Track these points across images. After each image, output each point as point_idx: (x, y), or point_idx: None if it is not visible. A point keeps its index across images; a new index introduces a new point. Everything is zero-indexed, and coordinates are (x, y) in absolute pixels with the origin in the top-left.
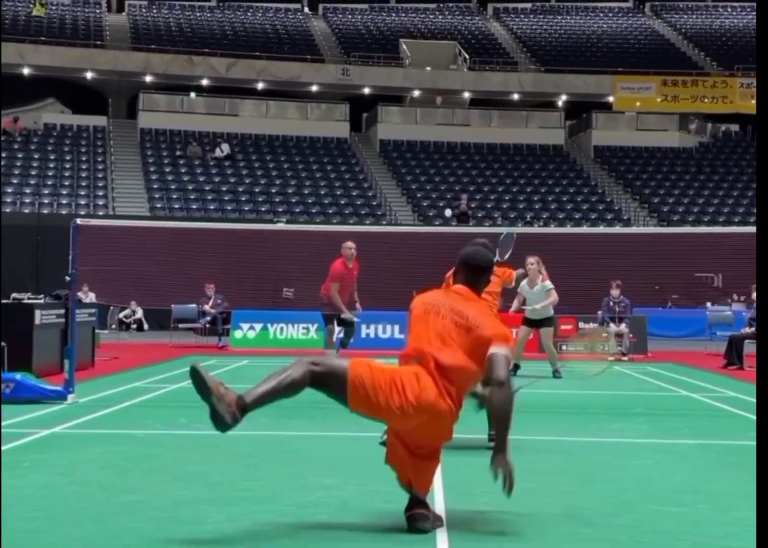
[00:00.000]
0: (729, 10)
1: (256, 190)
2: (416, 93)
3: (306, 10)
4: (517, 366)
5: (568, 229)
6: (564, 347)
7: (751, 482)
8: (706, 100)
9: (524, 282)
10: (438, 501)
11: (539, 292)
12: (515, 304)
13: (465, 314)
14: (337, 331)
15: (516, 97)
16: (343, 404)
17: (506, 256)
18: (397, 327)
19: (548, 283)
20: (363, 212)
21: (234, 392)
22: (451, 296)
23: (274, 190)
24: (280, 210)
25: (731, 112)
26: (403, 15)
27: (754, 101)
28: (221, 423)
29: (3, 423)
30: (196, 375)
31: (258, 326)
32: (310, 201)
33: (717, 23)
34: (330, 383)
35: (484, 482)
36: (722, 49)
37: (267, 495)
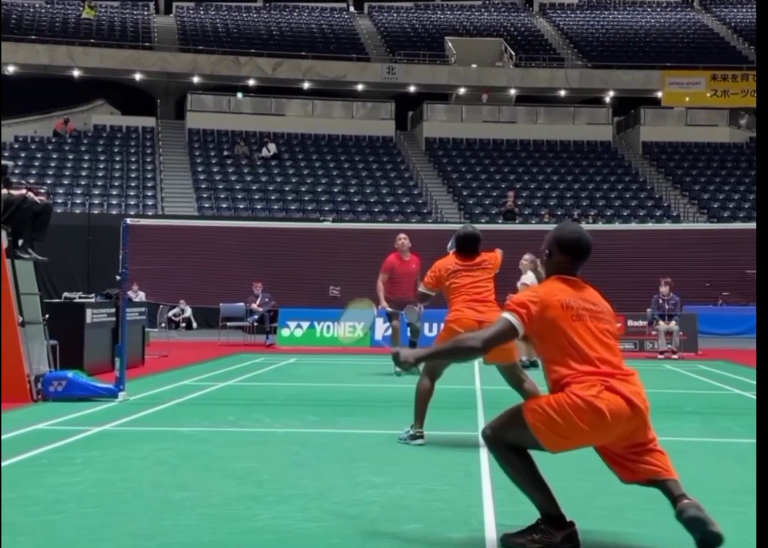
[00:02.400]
0: None
1: (303, 189)
2: (462, 90)
3: (351, 9)
4: (534, 363)
5: (617, 226)
6: None
7: None
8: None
9: (530, 275)
10: (486, 499)
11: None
12: None
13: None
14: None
15: (562, 93)
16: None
17: None
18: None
19: (529, 281)
20: (409, 210)
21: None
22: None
23: (320, 189)
24: (327, 209)
25: None
26: (449, 12)
27: None
28: None
29: (55, 421)
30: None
31: (305, 324)
32: (356, 200)
33: None
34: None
35: None
36: None
37: (315, 493)
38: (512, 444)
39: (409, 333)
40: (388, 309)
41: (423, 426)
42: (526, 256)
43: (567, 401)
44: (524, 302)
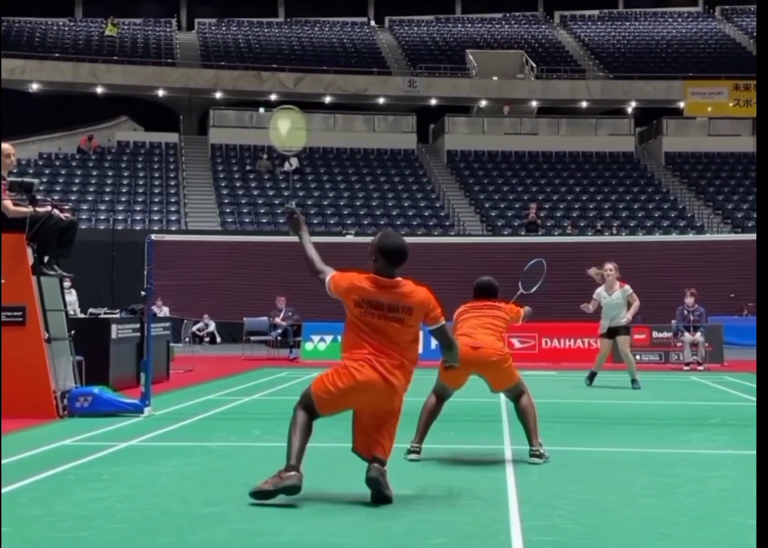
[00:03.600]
0: None
1: (325, 203)
2: (483, 103)
3: (372, 23)
4: (594, 374)
5: (641, 237)
6: (638, 356)
7: None
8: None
9: (601, 289)
10: (513, 513)
11: (618, 298)
12: (591, 306)
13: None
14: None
15: (584, 104)
16: None
17: (534, 288)
18: None
19: (628, 288)
20: (431, 223)
21: (278, 475)
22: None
23: (342, 203)
24: (349, 222)
25: None
26: (469, 25)
27: None
28: (293, 489)
29: (81, 436)
30: (257, 496)
31: (328, 338)
32: (378, 213)
33: None
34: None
35: (561, 494)
36: None
37: (341, 507)
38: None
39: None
40: None
41: (422, 442)
42: (609, 265)
43: (336, 368)
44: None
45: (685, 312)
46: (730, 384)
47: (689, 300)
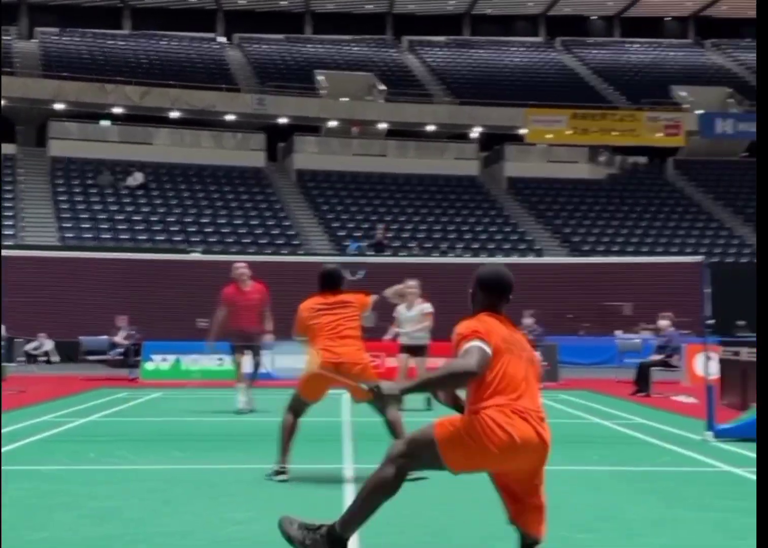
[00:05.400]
0: (636, 46)
1: (170, 220)
2: (333, 123)
3: (221, 39)
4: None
5: (483, 260)
6: None
7: (661, 508)
8: (614, 133)
9: (401, 306)
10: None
11: (418, 314)
12: (395, 328)
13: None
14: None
15: (432, 128)
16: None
17: (361, 274)
18: None
19: (427, 306)
20: (279, 242)
21: (321, 529)
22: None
23: (188, 220)
24: (195, 240)
25: (638, 144)
26: (319, 46)
27: (659, 134)
28: None
29: None
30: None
31: (171, 358)
32: (225, 231)
33: (624, 58)
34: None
35: (399, 513)
36: (629, 84)
37: (179, 531)
38: (413, 460)
39: (252, 368)
40: (209, 343)
41: (287, 462)
42: (412, 282)
43: (479, 422)
44: (477, 330)
45: (524, 332)
46: (564, 402)
47: (528, 320)
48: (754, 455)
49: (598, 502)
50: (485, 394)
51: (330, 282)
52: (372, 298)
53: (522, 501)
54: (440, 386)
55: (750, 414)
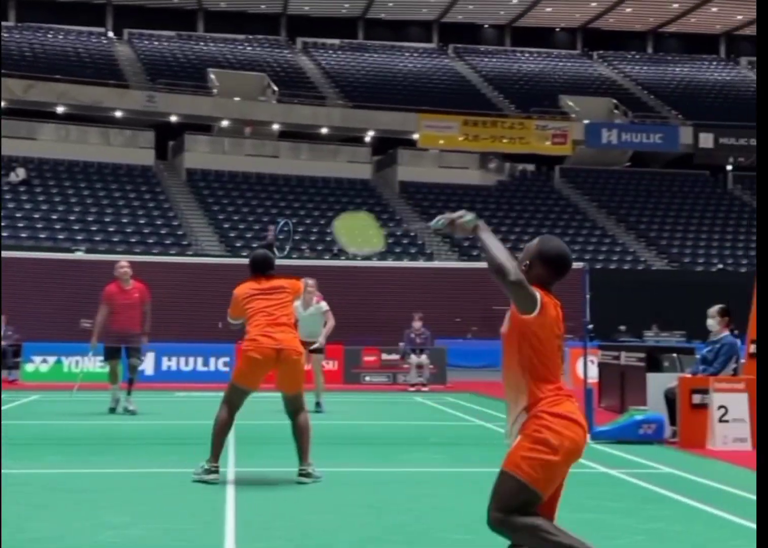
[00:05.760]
0: (526, 55)
1: (54, 217)
2: (225, 123)
3: (110, 34)
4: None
5: (373, 263)
6: (368, 378)
7: None
8: (504, 141)
9: (297, 304)
10: (229, 537)
11: (314, 314)
12: None
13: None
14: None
15: (325, 130)
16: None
17: (287, 249)
18: (200, 360)
19: (323, 304)
20: (168, 242)
21: None
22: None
23: (73, 218)
24: (80, 238)
25: (527, 152)
26: (212, 44)
27: (548, 142)
28: None
29: None
30: None
31: (51, 359)
32: (111, 229)
33: (515, 67)
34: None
35: (281, 515)
36: (519, 93)
37: (53, 536)
38: (517, 512)
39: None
40: (93, 344)
41: (218, 461)
42: (310, 281)
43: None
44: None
45: (413, 335)
46: (450, 405)
47: (417, 323)
48: (629, 456)
49: (478, 503)
50: (539, 382)
51: (261, 266)
52: (303, 281)
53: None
54: (487, 254)
55: (626, 417)
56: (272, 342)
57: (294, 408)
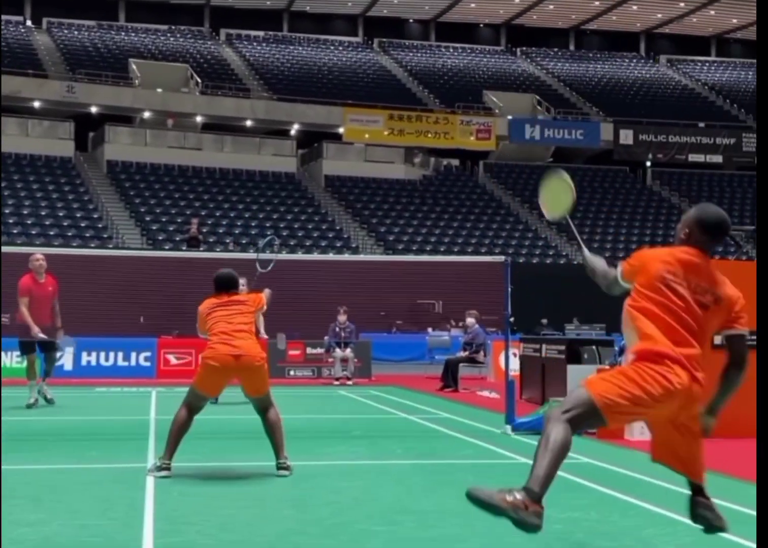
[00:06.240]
0: (450, 50)
1: None
2: (146, 114)
3: (29, 23)
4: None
5: (299, 256)
6: (292, 372)
7: (458, 499)
8: (429, 135)
9: None
10: (147, 532)
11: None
12: None
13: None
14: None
15: (249, 123)
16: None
17: (270, 266)
18: (120, 354)
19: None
20: (88, 235)
21: (519, 492)
22: None
23: None
24: None
25: (452, 147)
26: (133, 34)
27: (472, 138)
28: (533, 528)
29: None
30: (478, 502)
31: None
32: (29, 222)
33: (440, 62)
34: (589, 421)
35: (200, 510)
36: (444, 88)
37: None
38: (577, 422)
39: (46, 364)
40: (34, 333)
41: (172, 459)
42: (242, 280)
43: (634, 370)
44: (637, 256)
45: (337, 328)
46: (374, 398)
47: (342, 317)
48: None
49: (398, 495)
50: (644, 333)
51: (223, 285)
52: (266, 293)
53: (673, 449)
54: (598, 272)
55: (547, 408)
56: (230, 348)
57: (263, 406)
